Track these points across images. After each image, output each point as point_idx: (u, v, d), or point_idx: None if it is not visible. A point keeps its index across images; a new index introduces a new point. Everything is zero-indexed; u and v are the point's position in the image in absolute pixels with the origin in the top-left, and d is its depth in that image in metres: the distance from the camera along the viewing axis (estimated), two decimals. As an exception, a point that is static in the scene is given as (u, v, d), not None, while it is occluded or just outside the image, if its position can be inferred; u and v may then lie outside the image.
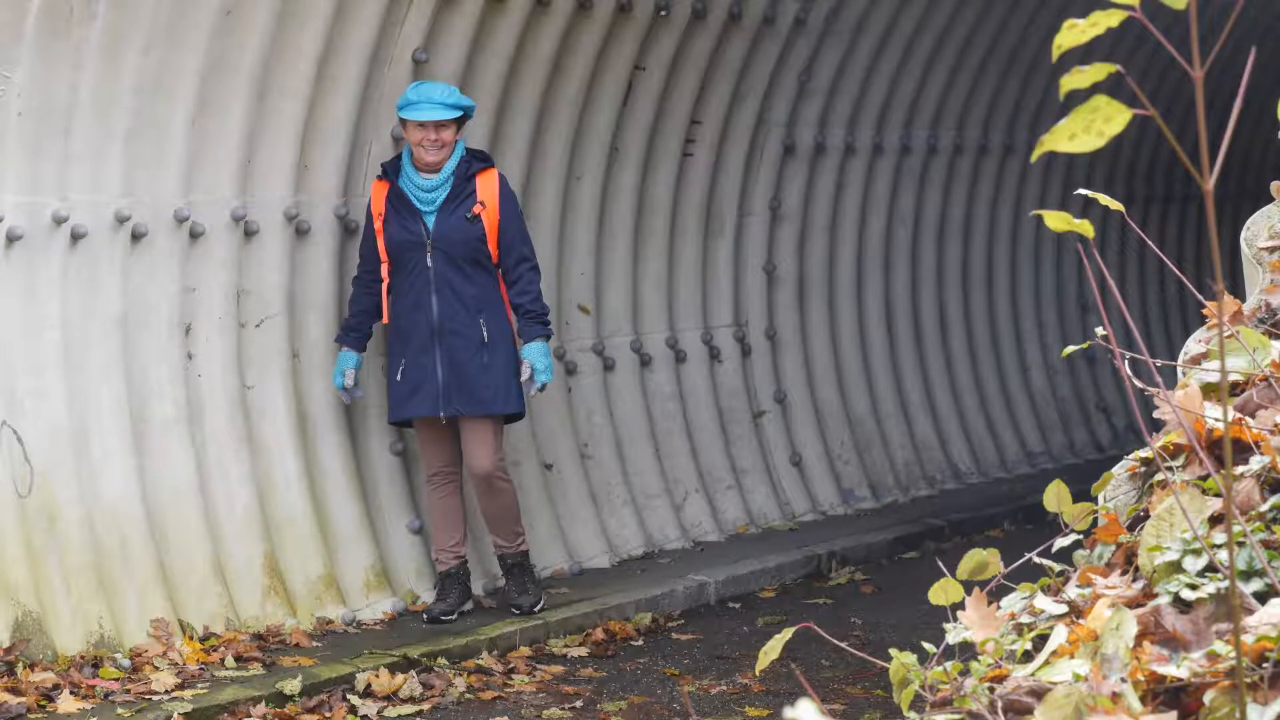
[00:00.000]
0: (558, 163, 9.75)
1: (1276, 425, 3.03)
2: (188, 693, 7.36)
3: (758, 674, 5.85)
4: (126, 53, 7.80)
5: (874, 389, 11.75)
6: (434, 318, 8.45)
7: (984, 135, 12.55)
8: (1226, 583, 2.59)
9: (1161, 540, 2.77)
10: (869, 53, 11.39)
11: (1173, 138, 2.35)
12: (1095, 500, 3.22)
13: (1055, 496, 3.16)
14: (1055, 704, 2.44)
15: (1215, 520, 2.81)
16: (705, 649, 8.55)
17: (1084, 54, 10.15)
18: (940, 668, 2.77)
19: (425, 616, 8.55)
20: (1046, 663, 2.63)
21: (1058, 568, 3.01)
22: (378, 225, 8.52)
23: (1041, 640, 2.74)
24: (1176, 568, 2.69)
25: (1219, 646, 2.47)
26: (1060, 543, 3.13)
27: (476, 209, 8.47)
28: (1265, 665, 2.40)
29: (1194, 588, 2.63)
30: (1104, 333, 3.02)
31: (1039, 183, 13.08)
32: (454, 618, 8.55)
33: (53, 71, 7.59)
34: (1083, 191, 3.03)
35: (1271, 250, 3.85)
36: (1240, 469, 2.90)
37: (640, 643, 8.65)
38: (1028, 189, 12.99)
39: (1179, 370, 3.36)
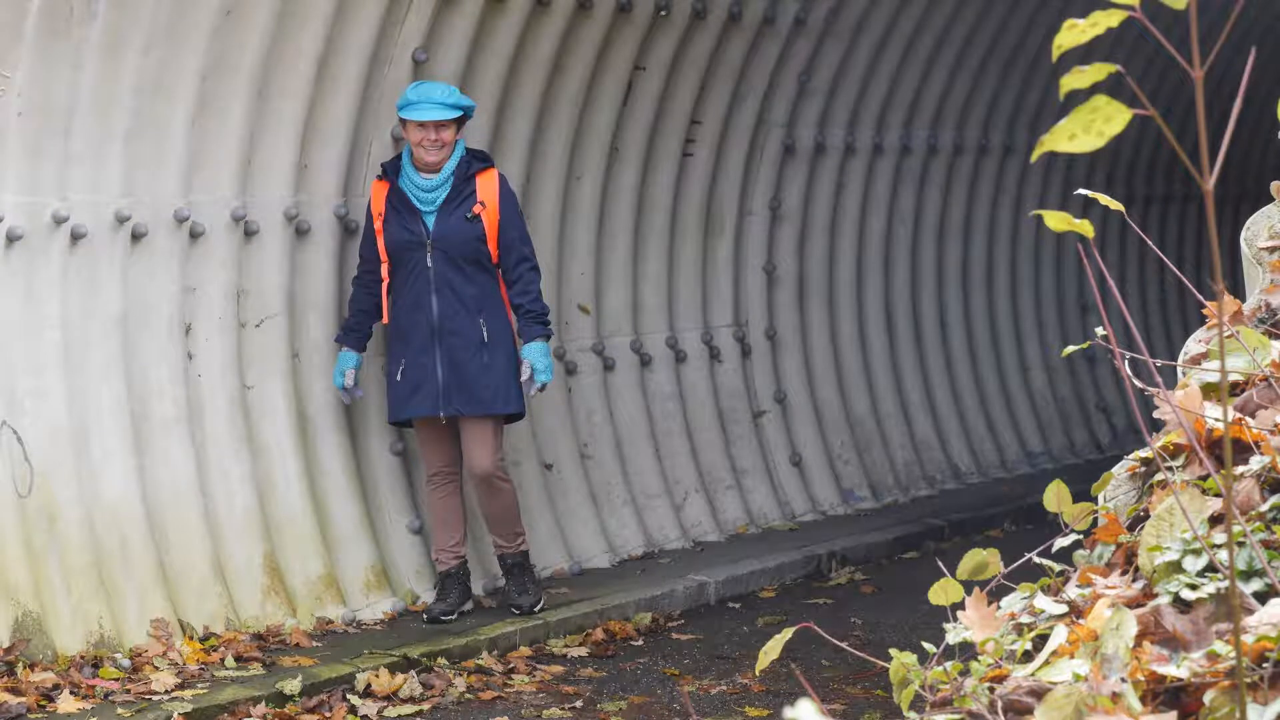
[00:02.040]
0: (558, 163, 9.75)
1: (1276, 425, 3.03)
2: (188, 693, 7.36)
3: (758, 674, 5.84)
4: (126, 53, 7.79)
5: (874, 389, 11.75)
6: (434, 318, 8.45)
7: (984, 135, 12.55)
8: (1226, 583, 2.59)
9: (1161, 540, 2.77)
10: (869, 53, 11.39)
11: (1173, 138, 2.35)
12: (1095, 500, 3.22)
13: (1055, 496, 3.16)
14: (1055, 704, 2.44)
15: (1215, 520, 2.81)
16: (705, 649, 8.55)
17: (1084, 54, 10.14)
18: (940, 668, 2.77)
19: (425, 616, 8.55)
20: (1046, 663, 2.63)
21: (1058, 568, 3.00)
22: (378, 225, 8.51)
23: (1041, 640, 2.74)
24: (1176, 568, 2.69)
25: (1219, 646, 2.47)
26: (1060, 543, 3.13)
27: (476, 209, 8.47)
28: (1265, 665, 2.40)
29: (1194, 588, 2.63)
30: (1104, 333, 3.02)
31: (1039, 183, 13.08)
32: (454, 618, 8.55)
33: (53, 71, 7.59)
34: (1083, 191, 3.03)
35: (1271, 250, 3.85)
36: (1240, 469, 2.90)
37: (640, 643, 8.65)
38: (1028, 189, 12.99)
39: (1179, 370, 3.36)
